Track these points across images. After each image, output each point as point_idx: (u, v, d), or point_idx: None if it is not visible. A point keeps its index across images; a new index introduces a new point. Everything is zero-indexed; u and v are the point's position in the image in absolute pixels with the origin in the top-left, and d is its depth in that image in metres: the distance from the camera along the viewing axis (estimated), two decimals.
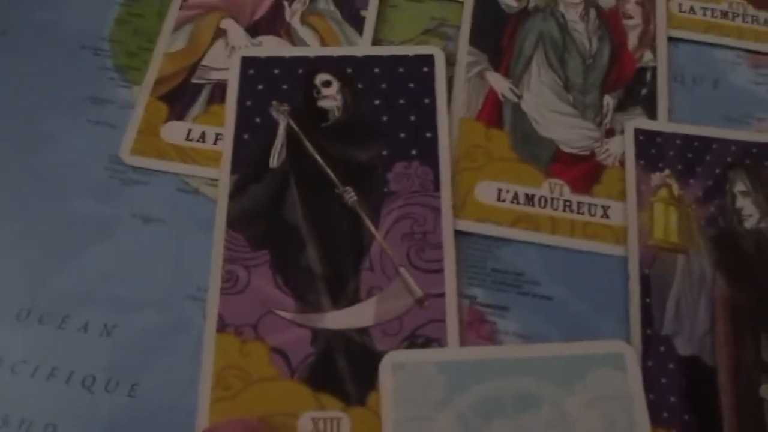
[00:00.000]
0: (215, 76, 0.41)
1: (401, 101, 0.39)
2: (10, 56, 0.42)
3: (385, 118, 0.38)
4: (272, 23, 0.42)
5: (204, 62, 0.41)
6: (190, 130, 0.39)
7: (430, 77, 0.39)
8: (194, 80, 0.40)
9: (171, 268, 0.36)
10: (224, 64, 0.41)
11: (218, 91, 0.40)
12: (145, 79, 0.40)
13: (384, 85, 0.39)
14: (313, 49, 0.41)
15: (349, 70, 0.39)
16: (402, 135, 0.38)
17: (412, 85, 0.39)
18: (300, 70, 0.40)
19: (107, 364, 0.34)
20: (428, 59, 0.40)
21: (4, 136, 0.39)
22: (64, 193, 0.38)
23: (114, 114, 0.40)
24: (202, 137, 0.39)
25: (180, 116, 0.39)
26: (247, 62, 0.40)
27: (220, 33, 0.42)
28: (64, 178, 0.38)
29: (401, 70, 0.39)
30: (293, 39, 0.42)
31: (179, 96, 0.40)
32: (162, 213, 0.37)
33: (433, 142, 0.38)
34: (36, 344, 0.34)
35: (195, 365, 0.34)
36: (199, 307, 0.35)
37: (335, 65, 0.40)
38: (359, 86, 0.39)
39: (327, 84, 0.39)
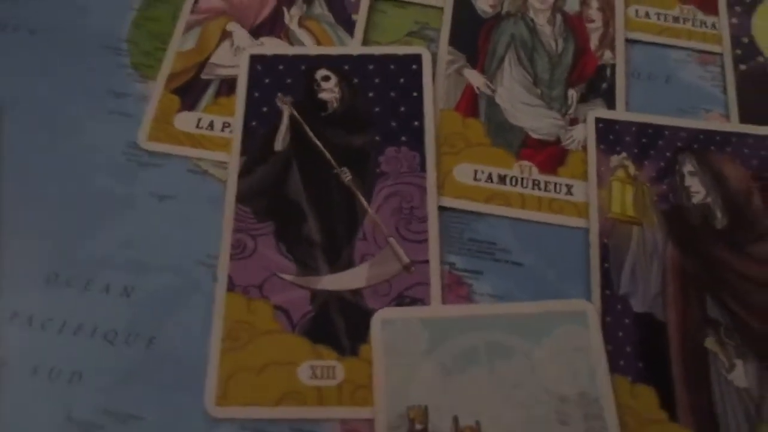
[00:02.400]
0: (222, 72, 0.45)
1: (392, 94, 0.43)
2: (39, 53, 0.46)
3: (377, 109, 0.43)
4: (272, 26, 0.47)
5: (212, 60, 0.45)
6: (200, 119, 0.43)
7: (418, 74, 0.44)
8: (203, 76, 0.45)
9: (183, 238, 0.40)
10: (230, 62, 0.45)
11: (225, 86, 0.44)
12: (159, 74, 0.45)
13: (377, 80, 0.44)
14: (314, 48, 0.46)
15: (346, 67, 0.44)
16: (393, 123, 0.42)
17: (402, 80, 0.44)
18: (302, 67, 0.44)
19: (127, 320, 0.38)
20: (416, 58, 0.44)
21: (35, 125, 0.43)
22: (88, 174, 0.42)
23: (131, 105, 0.44)
24: (211, 125, 0.43)
25: (191, 107, 0.44)
26: (255, 59, 0.44)
27: (226, 35, 0.46)
28: (88, 161, 0.42)
29: (392, 67, 0.44)
30: (291, 40, 0.46)
31: (190, 90, 0.44)
32: (175, 191, 0.41)
33: (420, 129, 0.42)
34: (63, 304, 0.38)
35: (206, 322, 0.37)
36: (208, 272, 0.39)
37: (334, 62, 0.44)
38: (355, 81, 0.44)
39: (326, 78, 0.44)
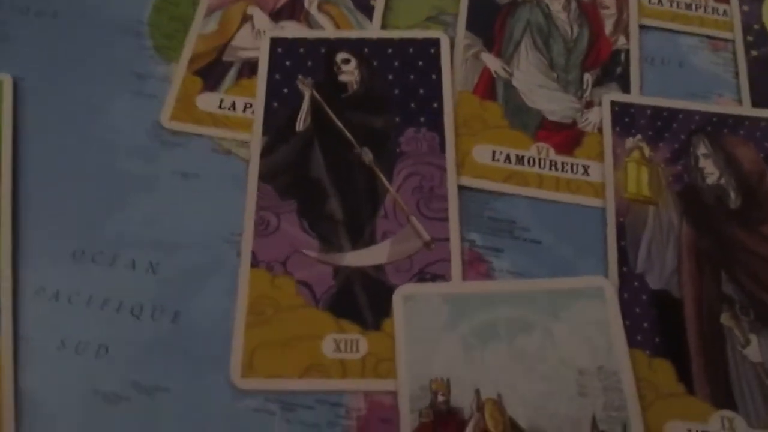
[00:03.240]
0: (243, 54, 0.46)
1: (411, 77, 0.44)
2: (63, 37, 0.46)
3: (397, 91, 0.44)
4: (292, 10, 0.48)
5: (233, 43, 0.46)
6: (222, 100, 0.44)
7: (437, 57, 0.45)
8: (225, 58, 0.45)
9: (207, 215, 0.41)
10: (251, 44, 0.46)
11: (246, 68, 0.45)
12: (182, 56, 0.45)
13: (396, 63, 0.44)
14: (334, 31, 0.46)
15: (366, 50, 0.45)
16: (412, 105, 0.43)
17: (420, 63, 0.44)
18: (322, 49, 0.45)
19: (152, 295, 0.38)
20: (435, 42, 0.45)
21: (61, 106, 0.44)
22: (113, 154, 0.42)
23: (154, 86, 0.45)
24: (233, 106, 0.44)
25: (213, 88, 0.44)
26: (275, 42, 0.45)
27: (246, 18, 0.47)
28: (113, 141, 0.43)
29: (411, 50, 0.45)
30: (311, 24, 0.47)
31: (212, 71, 0.45)
32: (198, 170, 0.42)
33: (439, 111, 0.43)
34: (89, 279, 0.39)
35: (230, 297, 0.38)
36: (232, 248, 0.40)
37: (353, 45, 0.45)
38: (374, 63, 0.44)
39: (346, 61, 0.44)
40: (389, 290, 0.38)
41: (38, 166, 0.42)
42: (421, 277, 0.39)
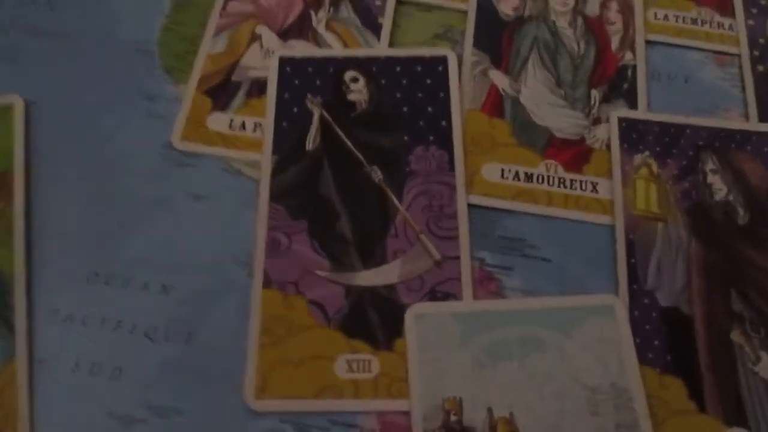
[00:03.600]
0: (252, 74, 0.46)
1: (419, 95, 0.44)
2: (73, 57, 0.47)
3: (405, 109, 0.44)
4: (300, 29, 0.48)
5: (242, 63, 0.46)
6: (231, 120, 0.44)
7: (445, 75, 0.45)
8: (234, 78, 0.46)
9: (218, 236, 0.41)
10: (260, 64, 0.46)
11: (255, 88, 0.45)
12: (191, 77, 0.46)
13: (404, 81, 0.45)
14: (342, 50, 0.47)
15: (374, 68, 0.45)
16: (421, 123, 0.43)
17: (428, 81, 0.45)
18: (330, 68, 0.45)
19: (166, 317, 0.39)
20: (442, 60, 0.45)
21: (72, 127, 0.44)
22: (124, 175, 0.43)
23: (164, 107, 0.45)
24: (243, 126, 0.44)
25: (222, 108, 0.45)
26: (284, 61, 0.45)
27: (255, 38, 0.47)
28: (124, 162, 0.43)
29: (419, 68, 0.45)
30: (319, 43, 0.48)
31: (221, 91, 0.45)
32: (209, 191, 0.42)
33: (447, 129, 0.43)
34: (103, 301, 0.39)
35: (243, 318, 0.38)
36: (244, 270, 0.40)
37: (361, 64, 0.45)
38: (382, 82, 0.45)
39: (354, 80, 0.45)
40: (401, 309, 0.38)
41: (50, 189, 0.42)
42: (432, 296, 0.39)
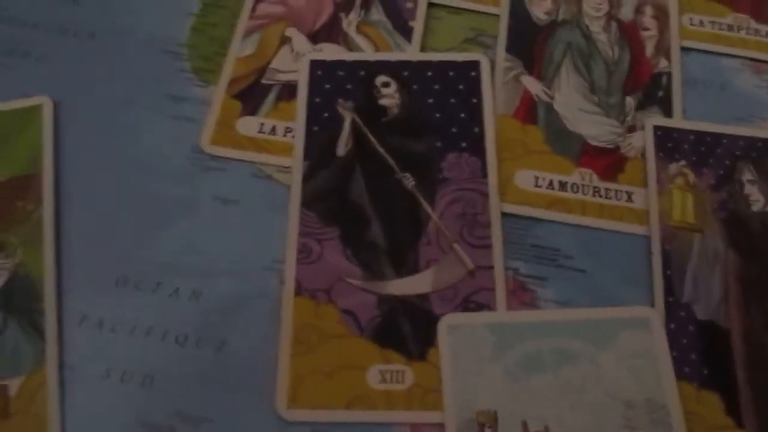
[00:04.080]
0: (282, 77, 0.45)
1: (452, 100, 0.44)
2: (100, 58, 0.46)
3: (438, 115, 0.43)
4: (330, 32, 0.47)
5: (272, 66, 0.46)
6: (262, 124, 0.44)
7: (477, 80, 0.44)
8: (264, 81, 0.45)
9: (248, 242, 0.40)
10: (290, 67, 0.46)
11: (285, 91, 0.45)
12: (220, 80, 0.45)
13: (436, 87, 0.44)
14: (373, 54, 0.46)
15: (405, 73, 0.44)
16: (453, 129, 0.43)
17: (461, 86, 0.44)
18: (362, 72, 0.45)
19: (196, 324, 0.38)
20: (475, 65, 0.45)
21: (99, 129, 0.44)
22: (153, 178, 0.42)
23: (192, 110, 0.44)
24: (273, 130, 0.44)
25: (252, 112, 0.44)
26: (315, 65, 0.45)
27: (285, 40, 0.47)
28: (152, 165, 0.43)
29: (451, 73, 0.44)
30: (349, 46, 0.47)
31: (251, 95, 0.45)
32: (238, 195, 0.42)
33: (480, 135, 0.43)
34: (133, 307, 0.39)
35: (273, 326, 0.38)
36: (274, 277, 0.39)
37: (393, 68, 0.45)
38: (414, 87, 0.44)
39: (386, 84, 0.44)
40: (434, 320, 0.38)
41: (78, 192, 0.42)
42: (466, 306, 0.39)
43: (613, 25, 0.48)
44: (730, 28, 0.49)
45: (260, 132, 0.44)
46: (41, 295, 0.38)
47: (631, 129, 0.44)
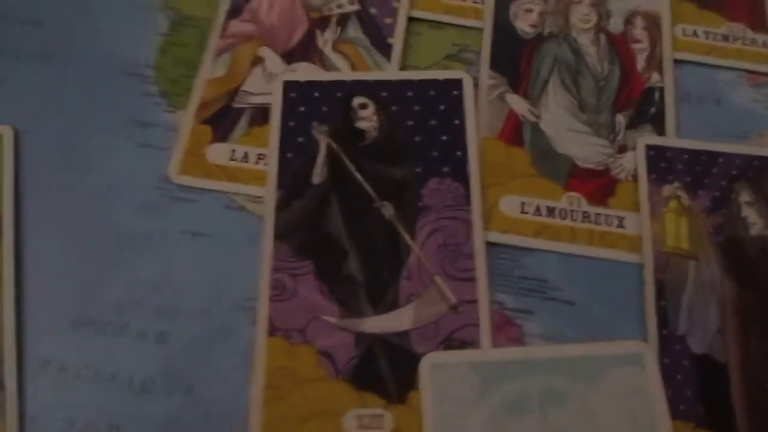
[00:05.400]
0: (255, 100, 0.43)
1: (433, 122, 0.41)
2: (60, 81, 0.44)
3: (418, 138, 0.41)
4: (305, 51, 0.45)
5: (244, 88, 0.43)
6: (233, 151, 0.42)
7: (459, 100, 0.42)
8: (235, 105, 0.43)
9: (219, 279, 0.38)
10: (263, 89, 0.43)
11: (258, 115, 0.42)
12: (189, 104, 0.43)
13: (416, 107, 0.42)
14: (349, 73, 0.44)
15: (384, 93, 0.42)
16: (434, 153, 0.41)
17: (442, 107, 0.42)
18: (338, 94, 0.42)
19: (164, 369, 0.36)
20: (457, 83, 0.42)
21: (56, 158, 0.41)
22: (116, 211, 0.40)
23: (160, 137, 0.42)
24: (245, 157, 0.41)
25: (223, 138, 0.42)
26: (288, 86, 0.42)
27: (257, 60, 0.44)
28: (116, 197, 0.40)
29: (432, 93, 0.42)
30: (325, 65, 0.45)
31: (222, 119, 0.42)
32: (209, 228, 0.40)
33: (463, 160, 0.40)
34: (96, 352, 0.36)
35: (245, 369, 0.36)
36: (246, 315, 0.37)
37: (370, 89, 0.42)
38: (393, 108, 0.42)
39: (363, 106, 0.42)
40: (414, 359, 0.36)
41: (33, 225, 0.39)
42: (448, 344, 0.36)
43: (602, 37, 0.46)
44: (725, 38, 0.46)
45: (232, 159, 0.41)
46: (0, 340, 0.36)
47: (622, 149, 0.42)
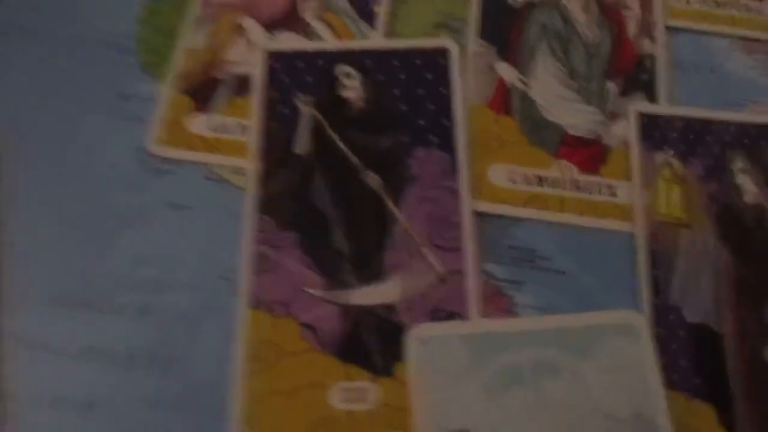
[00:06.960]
0: (237, 70, 0.42)
1: (419, 91, 0.40)
2: (36, 55, 0.43)
3: (404, 107, 0.40)
4: (288, 20, 0.44)
5: (225, 58, 0.42)
6: (215, 122, 0.40)
7: (446, 68, 0.41)
8: (217, 75, 0.42)
9: (202, 251, 0.37)
10: (245, 59, 0.42)
11: (241, 85, 0.41)
12: (169, 74, 0.42)
13: (402, 76, 0.41)
14: (334, 42, 0.43)
15: (369, 63, 0.41)
16: (421, 123, 0.40)
17: (429, 76, 0.41)
18: (322, 63, 0.41)
19: (144, 344, 0.35)
20: (444, 52, 0.41)
21: (37, 132, 0.40)
22: (97, 184, 0.39)
23: (140, 108, 0.41)
24: (227, 129, 0.40)
25: (204, 109, 0.41)
26: (271, 56, 0.41)
27: (239, 30, 0.43)
28: (97, 170, 0.39)
29: (418, 62, 0.41)
30: (309, 35, 0.43)
31: (202, 90, 0.41)
32: (191, 200, 0.39)
33: (450, 129, 0.39)
34: (75, 327, 0.35)
35: (229, 342, 0.35)
36: (230, 288, 0.36)
37: (356, 58, 0.41)
38: (379, 77, 0.41)
39: (348, 75, 0.41)
40: (401, 331, 0.35)
41: (17, 201, 0.38)
42: (436, 315, 0.36)
43: (593, 5, 0.44)
44: (719, 4, 0.45)
45: (213, 130, 0.40)
46: None
47: (614, 117, 0.41)
